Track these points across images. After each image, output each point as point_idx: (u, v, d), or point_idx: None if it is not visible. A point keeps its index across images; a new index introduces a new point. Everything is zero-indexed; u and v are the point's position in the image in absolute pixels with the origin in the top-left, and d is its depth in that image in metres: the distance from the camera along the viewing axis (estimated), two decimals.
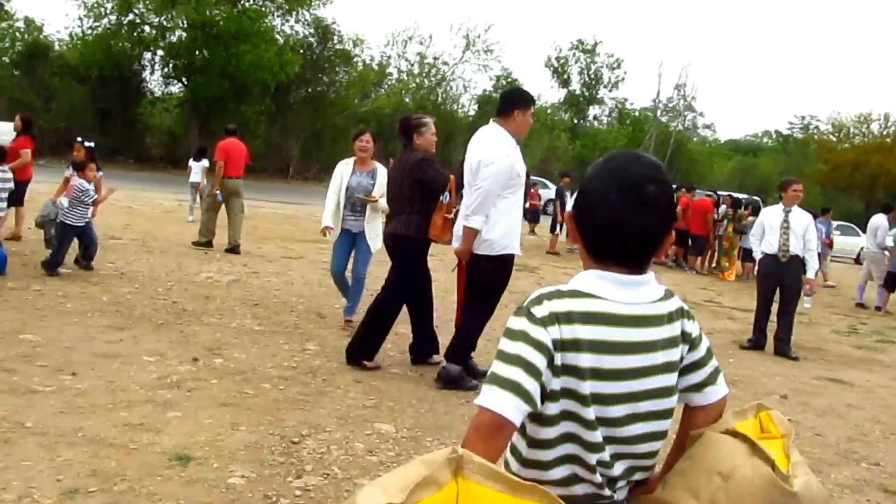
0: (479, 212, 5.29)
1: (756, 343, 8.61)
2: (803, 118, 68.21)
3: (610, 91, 49.56)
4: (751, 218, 16.68)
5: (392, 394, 5.39)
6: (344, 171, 7.14)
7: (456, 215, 5.70)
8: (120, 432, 4.09)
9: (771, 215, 8.53)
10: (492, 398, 1.51)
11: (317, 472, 3.88)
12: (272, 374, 5.50)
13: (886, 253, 13.35)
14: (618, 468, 1.65)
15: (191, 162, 15.26)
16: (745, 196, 24.12)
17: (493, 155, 5.26)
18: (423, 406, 5.21)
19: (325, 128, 39.38)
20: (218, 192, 11.19)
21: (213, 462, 3.86)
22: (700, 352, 1.74)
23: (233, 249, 10.99)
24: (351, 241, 7.18)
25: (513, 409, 1.49)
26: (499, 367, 1.54)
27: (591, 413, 1.57)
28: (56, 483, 3.43)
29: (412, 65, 43.61)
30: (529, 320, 1.56)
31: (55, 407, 4.36)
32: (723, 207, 17.30)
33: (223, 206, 11.28)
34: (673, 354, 1.67)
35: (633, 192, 1.60)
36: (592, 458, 1.61)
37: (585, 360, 1.55)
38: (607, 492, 1.66)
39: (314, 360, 5.99)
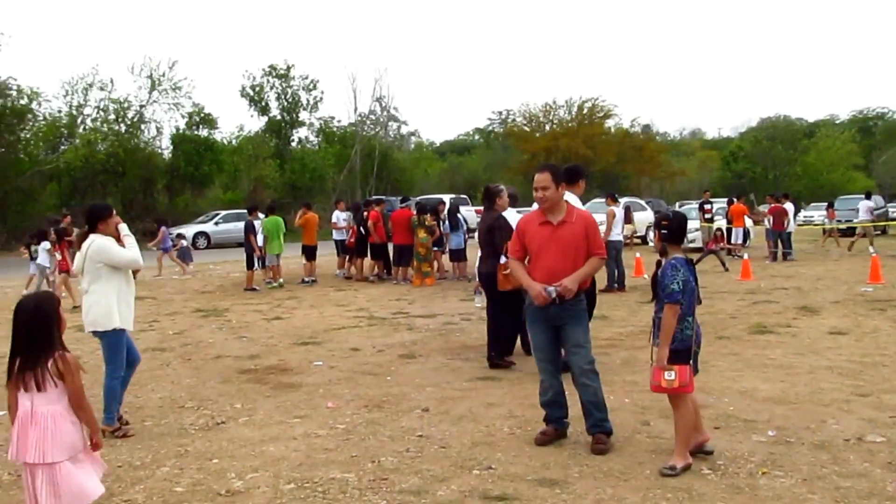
0: None
1: None
2: (500, 113, 72.87)
3: (310, 113, 49.60)
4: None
5: None
6: None
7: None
8: None
9: None
10: None
11: None
12: None
13: None
14: None
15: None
16: (452, 196, 24.91)
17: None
18: None
19: (10, 192, 35.69)
20: None
21: None
22: None
23: None
24: None
25: None
26: None
27: None
28: None
29: (102, 111, 40.41)
30: None
31: None
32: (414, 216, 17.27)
33: None
34: None
35: None
36: None
37: None
38: None
39: None
